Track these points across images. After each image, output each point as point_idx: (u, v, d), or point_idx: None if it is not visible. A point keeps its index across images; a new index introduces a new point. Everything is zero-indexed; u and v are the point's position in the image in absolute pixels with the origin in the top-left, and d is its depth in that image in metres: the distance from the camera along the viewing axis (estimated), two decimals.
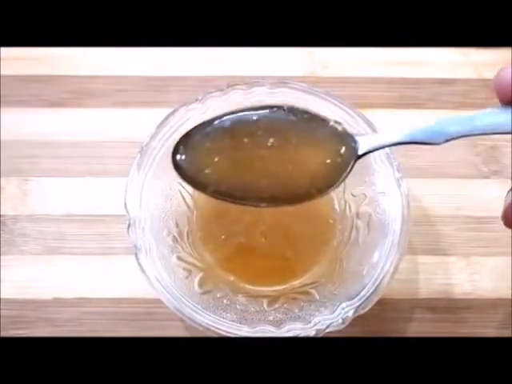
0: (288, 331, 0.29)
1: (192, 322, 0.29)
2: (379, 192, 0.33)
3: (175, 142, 0.28)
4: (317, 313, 0.30)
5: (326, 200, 0.36)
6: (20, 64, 0.43)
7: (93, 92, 0.42)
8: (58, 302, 0.36)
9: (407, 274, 0.36)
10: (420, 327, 0.35)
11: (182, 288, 0.30)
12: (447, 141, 0.25)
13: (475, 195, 0.39)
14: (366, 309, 0.29)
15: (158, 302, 0.30)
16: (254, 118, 0.28)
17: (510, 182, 0.26)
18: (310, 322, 0.30)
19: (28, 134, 0.40)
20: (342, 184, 0.35)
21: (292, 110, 0.28)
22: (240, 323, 0.30)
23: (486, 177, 0.39)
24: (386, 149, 0.32)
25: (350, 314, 0.29)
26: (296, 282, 0.34)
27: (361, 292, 0.30)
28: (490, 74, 0.43)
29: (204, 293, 0.31)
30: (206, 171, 0.27)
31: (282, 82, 0.34)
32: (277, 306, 0.32)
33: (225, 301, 0.31)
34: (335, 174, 0.27)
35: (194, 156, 0.28)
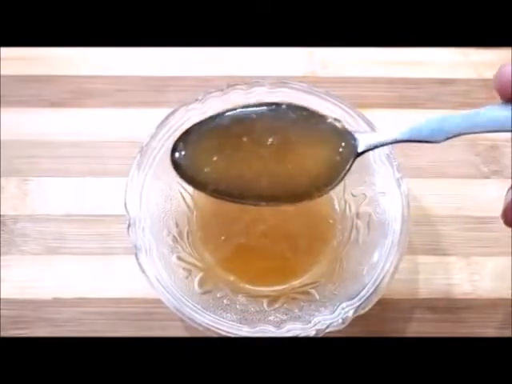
0: (288, 331, 0.29)
1: (192, 321, 0.29)
2: (379, 192, 0.33)
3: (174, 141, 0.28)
4: (317, 313, 0.30)
5: (326, 200, 0.36)
6: (20, 64, 0.43)
7: (93, 92, 0.42)
8: (57, 302, 0.36)
9: (407, 274, 0.36)
10: (420, 327, 0.35)
11: (182, 288, 0.30)
12: (448, 138, 0.25)
13: (475, 195, 0.39)
14: (366, 309, 0.29)
15: (157, 301, 0.30)
16: (253, 116, 0.28)
17: (510, 181, 0.26)
18: (309, 321, 0.30)
19: (28, 134, 0.40)
20: (342, 184, 0.35)
21: (291, 108, 0.28)
22: (240, 323, 0.30)
23: (486, 177, 0.39)
24: (386, 149, 0.32)
25: (350, 314, 0.29)
26: (296, 282, 0.34)
27: (361, 292, 0.30)
28: (490, 74, 0.43)
29: (204, 293, 0.31)
30: (205, 170, 0.27)
31: (281, 81, 0.34)
32: (277, 305, 0.32)
33: (225, 301, 0.31)
34: (335, 172, 0.27)
35: (192, 155, 0.28)
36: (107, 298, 0.36)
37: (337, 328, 0.29)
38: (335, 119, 0.27)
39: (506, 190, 0.26)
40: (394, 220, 0.31)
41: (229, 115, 0.28)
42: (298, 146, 0.27)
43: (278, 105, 0.28)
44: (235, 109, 0.28)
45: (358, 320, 0.29)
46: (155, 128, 0.33)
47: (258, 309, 0.31)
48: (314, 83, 0.34)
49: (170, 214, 0.34)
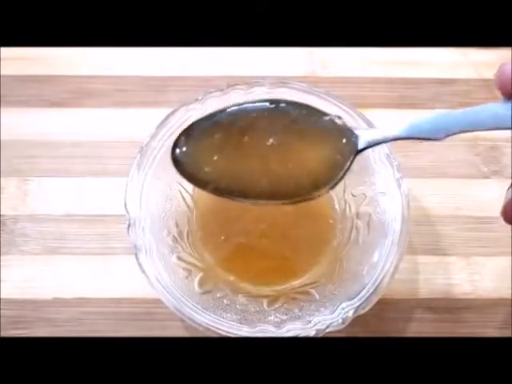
0: (288, 331, 0.29)
1: (192, 322, 0.29)
2: (379, 192, 0.33)
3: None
4: (317, 313, 0.30)
5: (326, 200, 0.36)
6: (20, 64, 0.43)
7: (93, 92, 0.42)
8: (57, 302, 0.35)
9: (407, 274, 0.36)
10: (420, 327, 0.35)
11: (182, 288, 0.30)
12: (448, 136, 0.25)
13: (475, 195, 0.39)
14: (366, 309, 0.29)
15: (157, 301, 0.30)
16: (254, 113, 0.28)
17: (510, 181, 0.26)
18: (310, 322, 0.30)
19: (28, 134, 0.40)
20: (342, 184, 0.35)
21: (292, 105, 0.28)
22: (240, 323, 0.30)
23: (486, 177, 0.39)
24: (386, 149, 0.32)
25: (350, 314, 0.29)
26: (296, 282, 0.34)
27: (361, 292, 0.30)
28: (490, 74, 0.43)
29: (204, 293, 0.31)
30: (206, 167, 0.27)
31: (281, 81, 0.34)
32: (277, 305, 0.32)
33: (225, 301, 0.31)
34: (335, 169, 0.27)
35: (193, 152, 0.28)
36: (107, 298, 0.36)
37: (337, 328, 0.29)
38: (336, 116, 0.27)
39: (506, 188, 0.26)
40: (394, 220, 0.31)
41: (229, 112, 0.28)
42: (299, 143, 0.27)
43: (278, 102, 0.28)
44: (236, 105, 0.28)
45: (357, 320, 0.29)
46: (155, 128, 0.33)
47: (257, 309, 0.31)
48: (314, 83, 0.34)
49: (170, 213, 0.34)
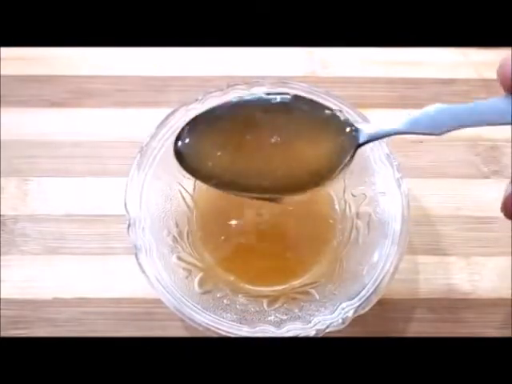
0: (288, 331, 0.29)
1: (192, 322, 0.29)
2: (379, 192, 0.33)
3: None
4: (317, 313, 0.30)
5: (326, 200, 0.36)
6: (20, 64, 0.43)
7: (93, 92, 0.42)
8: (57, 302, 0.35)
9: (407, 274, 0.36)
10: (420, 327, 0.35)
11: (182, 288, 0.30)
12: (449, 131, 0.25)
13: (475, 195, 0.39)
14: (366, 309, 0.29)
15: (157, 301, 0.30)
16: (257, 106, 0.27)
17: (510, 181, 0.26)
18: (310, 321, 0.30)
19: (28, 134, 0.40)
20: (342, 184, 0.35)
21: (294, 98, 0.27)
22: (240, 323, 0.30)
23: (486, 177, 0.39)
24: (386, 149, 0.32)
25: (350, 314, 0.29)
26: (296, 282, 0.34)
27: (361, 292, 0.30)
28: (490, 74, 0.43)
29: (204, 293, 0.31)
30: (208, 160, 0.27)
31: (282, 81, 0.34)
32: (277, 305, 0.32)
33: (225, 301, 0.31)
34: (336, 163, 0.27)
35: (195, 145, 0.27)
36: (107, 298, 0.36)
37: (337, 328, 0.29)
38: (337, 110, 0.27)
39: (506, 184, 0.26)
40: (394, 220, 0.31)
41: (231, 105, 0.28)
42: (300, 136, 0.27)
43: (281, 95, 0.28)
44: (238, 99, 0.28)
45: (357, 320, 0.29)
46: (155, 128, 0.33)
47: (257, 309, 0.31)
48: (314, 83, 0.34)
49: (170, 213, 0.34)
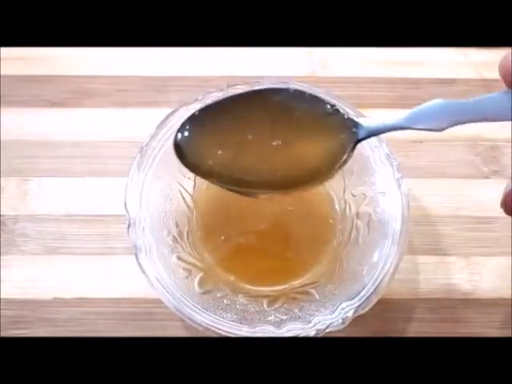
0: (288, 331, 0.29)
1: (192, 322, 0.29)
2: (379, 192, 0.33)
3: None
4: (317, 313, 0.30)
5: (326, 200, 0.36)
6: (20, 64, 0.43)
7: (93, 92, 0.42)
8: (58, 302, 0.35)
9: (407, 274, 0.36)
10: (420, 327, 0.35)
11: (182, 288, 0.30)
12: (449, 126, 0.25)
13: (475, 195, 0.39)
14: (366, 309, 0.29)
15: (157, 301, 0.30)
16: (257, 101, 0.27)
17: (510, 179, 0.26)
18: (310, 321, 0.30)
19: (28, 134, 0.40)
20: (342, 184, 0.35)
21: (295, 92, 0.27)
22: (240, 323, 0.30)
23: (486, 177, 0.39)
24: (386, 149, 0.32)
25: (350, 314, 0.29)
26: (296, 282, 0.34)
27: (361, 292, 0.30)
28: (490, 74, 0.43)
29: (204, 293, 0.31)
30: (209, 156, 0.27)
31: (282, 82, 0.34)
32: (277, 305, 0.32)
33: (225, 301, 0.31)
34: (336, 158, 0.26)
35: (195, 141, 0.27)
36: (107, 298, 0.36)
37: (337, 328, 0.29)
38: (337, 105, 0.27)
39: (507, 182, 0.26)
40: (394, 220, 0.31)
41: (231, 101, 0.28)
42: (300, 131, 0.27)
43: (281, 90, 0.27)
44: (238, 94, 0.28)
45: (357, 320, 0.29)
46: (155, 128, 0.33)
47: (257, 309, 0.31)
48: (314, 83, 0.34)
49: (170, 213, 0.34)
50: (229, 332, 0.29)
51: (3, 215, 0.38)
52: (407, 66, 0.43)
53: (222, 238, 0.35)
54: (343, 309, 0.29)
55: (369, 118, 0.27)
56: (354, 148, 0.26)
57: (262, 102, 0.27)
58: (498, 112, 0.24)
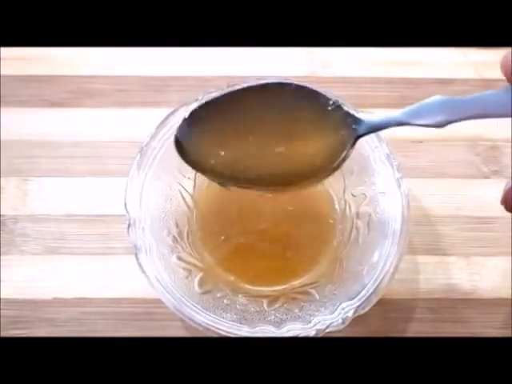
0: (288, 331, 0.29)
1: (192, 322, 0.29)
2: (379, 192, 0.33)
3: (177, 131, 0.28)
4: (317, 313, 0.30)
5: (327, 200, 0.36)
6: (20, 64, 0.43)
7: (93, 92, 0.42)
8: (58, 302, 0.35)
9: (407, 274, 0.36)
10: (420, 327, 0.35)
11: (182, 288, 0.30)
12: (449, 123, 0.25)
13: (475, 195, 0.39)
14: (366, 309, 0.29)
15: (158, 301, 0.30)
16: (257, 95, 0.27)
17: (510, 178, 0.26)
18: (310, 321, 0.30)
19: (28, 134, 0.40)
20: (342, 184, 0.35)
21: (295, 87, 0.27)
22: (240, 323, 0.30)
23: (486, 177, 0.39)
24: (386, 149, 0.32)
25: (350, 314, 0.29)
26: (296, 282, 0.34)
27: (361, 292, 0.30)
28: (490, 74, 0.43)
29: (204, 293, 0.31)
30: (209, 154, 0.27)
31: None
32: (277, 305, 0.32)
33: (225, 301, 0.31)
34: (336, 154, 0.26)
35: (196, 138, 0.27)
36: (107, 298, 0.36)
37: (337, 328, 0.29)
38: (338, 101, 0.27)
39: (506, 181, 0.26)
40: (394, 220, 0.31)
41: (232, 97, 0.27)
42: (301, 127, 0.27)
43: (282, 85, 0.27)
44: (238, 89, 0.28)
45: (357, 320, 0.29)
46: (155, 128, 0.33)
47: (257, 309, 0.31)
48: (313, 83, 0.34)
49: (170, 213, 0.34)
50: (229, 332, 0.29)
51: (3, 215, 0.38)
52: (407, 66, 0.43)
53: (222, 238, 0.35)
54: (343, 309, 0.29)
55: (369, 114, 0.27)
56: (354, 144, 0.26)
57: (262, 97, 0.27)
58: (497, 108, 0.24)
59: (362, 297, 0.30)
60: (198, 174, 0.34)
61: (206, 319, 0.29)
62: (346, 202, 0.35)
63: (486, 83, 0.42)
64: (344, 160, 0.26)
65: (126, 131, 0.40)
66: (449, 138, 0.40)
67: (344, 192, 0.35)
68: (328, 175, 0.27)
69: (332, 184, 0.35)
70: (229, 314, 0.30)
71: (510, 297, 0.36)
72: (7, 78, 0.42)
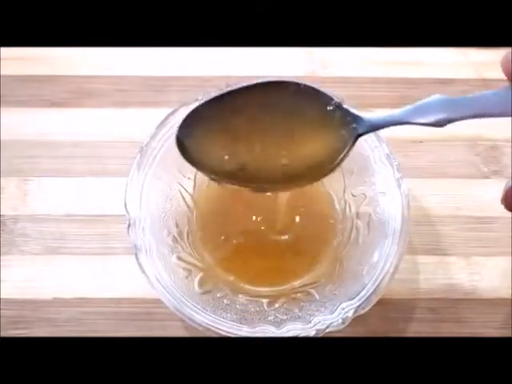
0: (288, 331, 0.29)
1: (192, 322, 0.29)
2: (379, 192, 0.33)
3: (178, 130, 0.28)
4: (317, 313, 0.30)
5: (327, 200, 0.36)
6: (20, 64, 0.43)
7: (93, 92, 0.42)
8: (58, 302, 0.35)
9: (407, 274, 0.36)
10: (420, 327, 0.35)
11: (182, 288, 0.30)
12: (449, 122, 0.24)
13: (475, 195, 0.39)
14: (366, 309, 0.29)
15: (157, 301, 0.30)
16: (258, 94, 0.27)
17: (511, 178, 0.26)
18: (310, 321, 0.30)
19: (28, 134, 0.40)
20: (342, 184, 0.35)
21: (296, 86, 0.27)
22: (240, 323, 0.30)
23: (486, 177, 0.39)
24: (386, 149, 0.32)
25: (350, 314, 0.29)
26: (296, 282, 0.34)
27: (361, 292, 0.30)
28: (490, 74, 0.43)
29: (204, 293, 0.31)
30: (211, 153, 0.27)
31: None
32: (277, 306, 0.32)
33: (225, 301, 0.31)
34: (336, 152, 0.26)
35: (197, 137, 0.27)
36: (107, 298, 0.36)
37: (337, 328, 0.29)
38: (338, 99, 0.27)
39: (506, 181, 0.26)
40: (394, 220, 0.31)
41: (233, 96, 0.27)
42: (301, 125, 0.27)
43: (283, 83, 0.27)
44: (239, 87, 0.27)
45: (357, 320, 0.29)
46: (155, 128, 0.33)
47: (257, 309, 0.31)
48: (313, 83, 0.34)
49: (170, 213, 0.34)
50: (229, 332, 0.29)
51: (3, 215, 0.38)
52: (407, 66, 0.43)
53: (222, 238, 0.35)
54: (343, 309, 0.29)
55: (369, 113, 0.27)
56: (354, 143, 0.26)
57: (263, 95, 0.27)
58: (497, 107, 0.24)
59: (362, 297, 0.30)
60: (198, 174, 0.35)
61: (206, 319, 0.29)
62: (346, 202, 0.35)
63: (486, 83, 0.42)
64: (344, 158, 0.26)
65: (126, 131, 0.40)
66: (449, 138, 0.40)
67: (344, 192, 0.35)
68: (328, 173, 0.27)
69: (332, 184, 0.35)
70: (229, 314, 0.30)
71: (509, 297, 0.36)
72: (7, 77, 0.42)
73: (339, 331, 0.29)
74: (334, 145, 0.26)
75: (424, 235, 0.38)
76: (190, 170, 0.34)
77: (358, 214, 0.34)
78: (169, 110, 0.33)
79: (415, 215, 0.37)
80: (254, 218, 0.36)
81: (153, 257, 0.31)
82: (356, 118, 0.26)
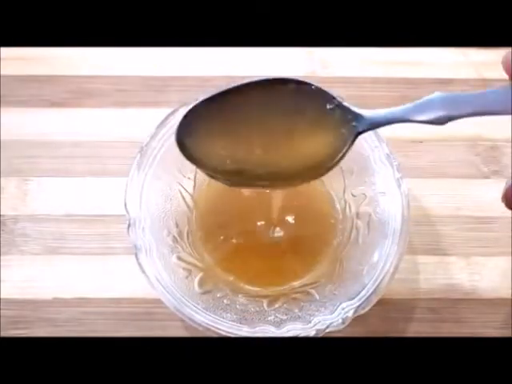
0: (288, 331, 0.29)
1: (192, 322, 0.29)
2: (379, 192, 0.33)
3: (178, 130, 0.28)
4: (317, 313, 0.30)
5: (327, 200, 0.36)
6: (20, 64, 0.43)
7: (93, 92, 0.42)
8: (58, 302, 0.35)
9: (407, 274, 0.36)
10: (420, 327, 0.35)
11: (182, 288, 0.30)
12: (450, 120, 0.24)
13: (475, 195, 0.39)
14: (366, 309, 0.29)
15: (157, 301, 0.30)
16: (257, 92, 0.27)
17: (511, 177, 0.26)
18: (310, 321, 0.30)
19: (28, 134, 0.40)
20: (342, 184, 0.35)
21: (295, 83, 0.27)
22: (240, 323, 0.30)
23: (486, 177, 0.39)
24: (386, 149, 0.32)
25: (350, 314, 0.29)
26: (296, 283, 0.34)
27: (361, 292, 0.30)
28: (490, 74, 0.43)
29: (204, 293, 0.31)
30: (211, 152, 0.27)
31: None
32: (277, 306, 0.32)
33: (225, 301, 0.31)
34: (336, 150, 0.26)
35: (197, 135, 0.27)
36: (107, 298, 0.36)
37: (337, 328, 0.29)
38: (338, 97, 0.27)
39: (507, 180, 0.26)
40: (394, 220, 0.31)
41: (233, 93, 0.27)
42: (301, 123, 0.27)
43: (284, 81, 0.27)
44: (239, 85, 0.27)
45: (358, 320, 0.29)
46: (155, 128, 0.33)
47: (257, 309, 0.31)
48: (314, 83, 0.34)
49: (170, 213, 0.34)
50: (229, 332, 0.29)
51: (3, 215, 0.38)
52: (407, 66, 0.43)
53: (222, 238, 0.35)
54: (343, 309, 0.29)
55: (369, 111, 0.26)
56: (354, 140, 0.26)
57: (263, 93, 0.27)
58: (498, 105, 0.24)
59: (362, 297, 0.30)
60: (198, 174, 0.35)
61: (206, 319, 0.29)
62: (346, 202, 0.35)
63: (486, 83, 0.42)
64: (344, 156, 0.26)
65: (126, 131, 0.40)
66: (449, 138, 0.40)
67: (344, 192, 0.35)
68: (327, 172, 0.27)
69: (332, 184, 0.35)
70: (229, 314, 0.30)
71: (509, 297, 0.36)
72: (7, 77, 0.42)
73: (339, 331, 0.29)
74: (334, 142, 0.26)
75: (424, 235, 0.38)
76: (190, 170, 0.34)
77: (358, 214, 0.34)
78: (169, 110, 0.33)
79: (415, 215, 0.37)
80: (253, 218, 0.36)
81: (153, 257, 0.31)
82: (356, 116, 0.26)
